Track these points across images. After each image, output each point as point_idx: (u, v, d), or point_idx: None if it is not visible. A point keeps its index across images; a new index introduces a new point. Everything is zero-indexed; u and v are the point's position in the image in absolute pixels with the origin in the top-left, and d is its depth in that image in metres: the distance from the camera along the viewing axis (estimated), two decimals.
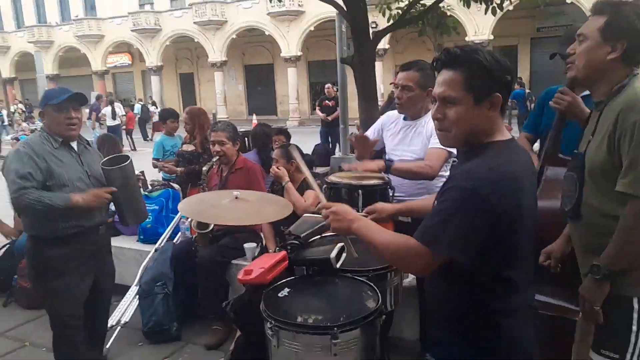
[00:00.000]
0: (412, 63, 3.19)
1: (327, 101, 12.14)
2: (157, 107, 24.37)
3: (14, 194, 2.75)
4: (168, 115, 6.11)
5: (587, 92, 2.75)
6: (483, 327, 1.61)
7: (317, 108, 12.97)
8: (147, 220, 4.39)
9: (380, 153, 3.44)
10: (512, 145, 1.63)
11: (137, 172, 3.23)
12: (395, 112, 3.40)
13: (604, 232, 1.91)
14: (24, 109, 26.89)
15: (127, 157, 3.17)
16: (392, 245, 1.65)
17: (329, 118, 11.76)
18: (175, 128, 6.09)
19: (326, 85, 12.70)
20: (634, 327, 1.88)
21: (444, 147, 2.67)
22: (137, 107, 23.51)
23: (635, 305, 1.89)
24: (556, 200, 2.26)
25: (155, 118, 22.75)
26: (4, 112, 26.48)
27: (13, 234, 4.50)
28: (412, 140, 3.18)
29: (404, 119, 3.28)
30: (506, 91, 1.59)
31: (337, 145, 11.32)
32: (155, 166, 5.81)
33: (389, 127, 3.38)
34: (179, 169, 5.43)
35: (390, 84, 3.80)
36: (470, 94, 1.56)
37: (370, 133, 3.51)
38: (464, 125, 1.59)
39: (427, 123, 3.11)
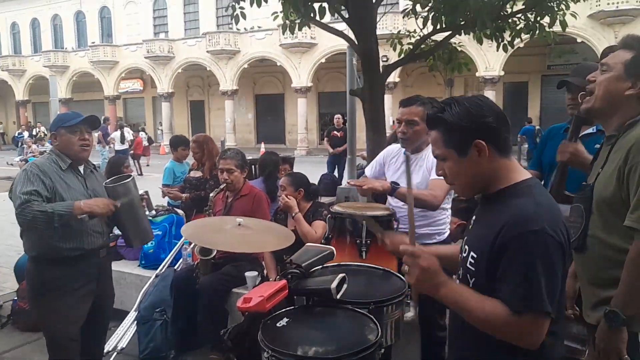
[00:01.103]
0: (413, 99, 3.24)
1: (335, 132, 12.26)
2: (146, 134, 24.53)
3: (18, 209, 2.74)
4: (179, 142, 6.13)
5: (590, 130, 2.77)
6: None
7: (325, 139, 13.06)
8: (150, 245, 4.38)
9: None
10: (538, 182, 1.63)
11: (141, 192, 3.27)
12: (397, 146, 3.42)
13: (610, 265, 1.89)
14: (46, 132, 27.19)
15: (129, 176, 3.22)
16: (491, 317, 1.46)
17: (338, 150, 11.83)
18: (186, 155, 6.13)
19: (335, 116, 12.84)
20: None
21: None
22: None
23: None
24: None
25: (144, 144, 22.92)
26: (25, 134, 26.86)
27: None
28: (413, 174, 3.17)
29: (405, 152, 3.29)
30: (490, 133, 1.54)
31: (344, 175, 11.34)
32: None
33: (391, 161, 3.41)
34: (183, 195, 5.44)
35: (395, 120, 3.80)
36: (451, 149, 1.58)
37: (372, 167, 3.54)
38: (462, 177, 1.61)
39: (428, 156, 3.12)
